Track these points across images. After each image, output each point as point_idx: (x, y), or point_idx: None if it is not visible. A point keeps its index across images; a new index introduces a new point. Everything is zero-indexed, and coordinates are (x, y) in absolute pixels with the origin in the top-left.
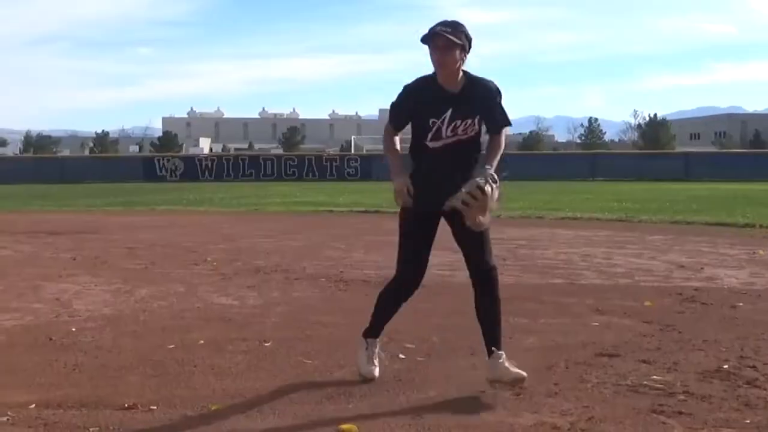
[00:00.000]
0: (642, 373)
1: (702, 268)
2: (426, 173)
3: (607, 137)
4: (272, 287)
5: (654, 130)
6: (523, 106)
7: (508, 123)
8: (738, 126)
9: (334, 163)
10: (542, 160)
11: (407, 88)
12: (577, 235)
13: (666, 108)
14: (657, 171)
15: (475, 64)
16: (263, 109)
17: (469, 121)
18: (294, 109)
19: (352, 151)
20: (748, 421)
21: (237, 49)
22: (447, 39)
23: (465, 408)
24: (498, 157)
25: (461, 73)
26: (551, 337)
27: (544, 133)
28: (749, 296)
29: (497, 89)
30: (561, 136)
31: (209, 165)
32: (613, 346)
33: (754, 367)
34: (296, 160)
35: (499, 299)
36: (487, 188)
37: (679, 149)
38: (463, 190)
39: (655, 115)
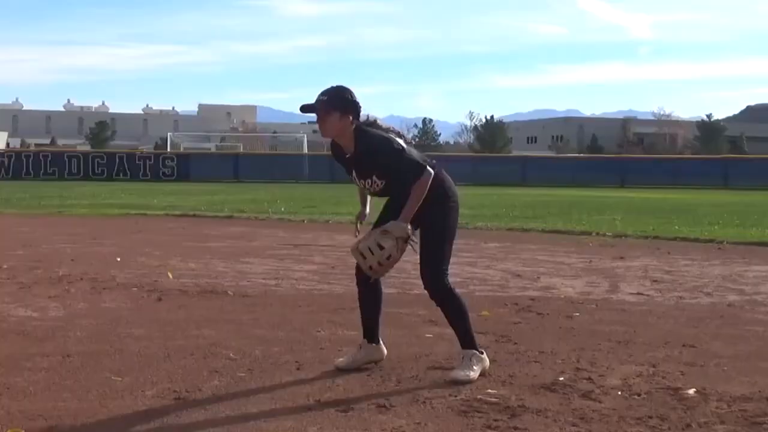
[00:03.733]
0: (476, 387)
1: (538, 277)
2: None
3: (441, 139)
4: (77, 297)
5: (490, 132)
6: None
7: (416, 174)
8: (575, 130)
9: (148, 162)
10: None
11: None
12: None
13: (503, 110)
14: (493, 175)
15: (300, 58)
16: (68, 101)
17: (372, 179)
18: (103, 102)
19: (168, 150)
20: None
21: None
22: (321, 105)
23: (290, 426)
24: (414, 209)
25: (353, 134)
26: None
27: None
28: (586, 306)
29: (384, 146)
30: None
31: (5, 162)
32: (447, 359)
33: (590, 379)
34: (105, 158)
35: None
36: (386, 244)
37: (515, 153)
38: (362, 243)
39: (492, 117)
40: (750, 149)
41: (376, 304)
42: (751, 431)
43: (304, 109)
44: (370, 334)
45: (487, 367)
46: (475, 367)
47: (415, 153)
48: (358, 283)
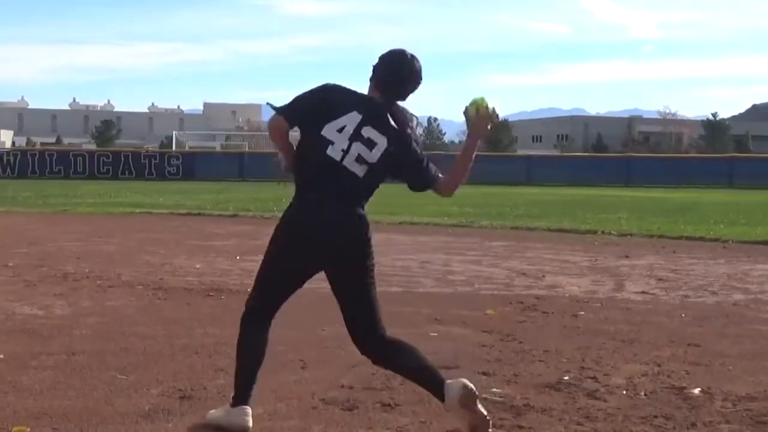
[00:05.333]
0: (482, 386)
1: (543, 276)
2: None
3: (447, 138)
4: (83, 295)
5: (495, 131)
6: None
7: None
8: (581, 129)
9: (153, 161)
10: None
11: None
12: (415, 240)
13: (507, 108)
14: (498, 174)
15: (303, 56)
16: (74, 99)
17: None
18: (109, 101)
19: (174, 148)
20: None
21: (43, 33)
22: None
23: (295, 424)
24: None
25: None
26: None
27: None
28: (591, 305)
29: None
30: None
31: (11, 160)
32: (452, 358)
33: (594, 378)
34: (111, 156)
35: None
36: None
37: (520, 152)
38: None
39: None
40: (755, 148)
41: (261, 354)
42: (756, 430)
43: None
44: (243, 392)
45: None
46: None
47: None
48: (245, 322)
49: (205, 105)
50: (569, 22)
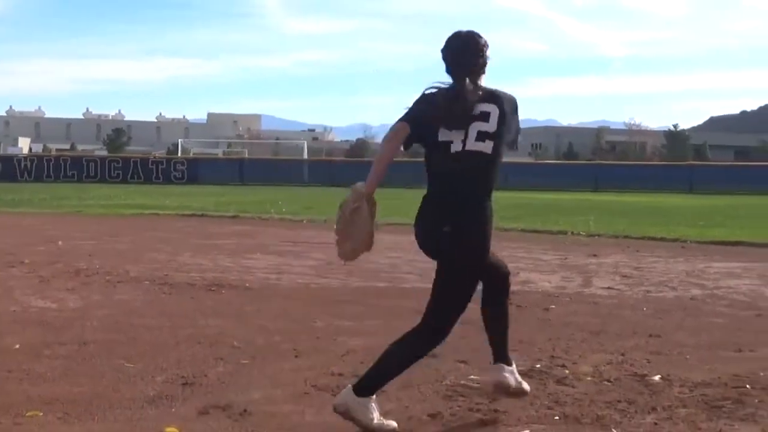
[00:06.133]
0: (461, 374)
1: (518, 273)
2: None
3: None
4: (93, 290)
5: None
6: (350, 114)
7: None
8: (553, 138)
9: (160, 166)
10: (369, 167)
11: None
12: (403, 240)
13: None
14: None
15: (300, 70)
16: (87, 109)
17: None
18: (120, 111)
19: (179, 155)
20: (557, 417)
21: (60, 48)
22: None
23: (290, 409)
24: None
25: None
26: (376, 339)
27: (371, 140)
28: (561, 299)
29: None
30: None
31: (28, 165)
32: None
33: (563, 366)
34: (121, 162)
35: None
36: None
37: None
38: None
39: None
40: (713, 156)
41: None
42: (711, 414)
43: None
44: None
45: None
46: None
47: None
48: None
49: (209, 115)
50: (547, 40)
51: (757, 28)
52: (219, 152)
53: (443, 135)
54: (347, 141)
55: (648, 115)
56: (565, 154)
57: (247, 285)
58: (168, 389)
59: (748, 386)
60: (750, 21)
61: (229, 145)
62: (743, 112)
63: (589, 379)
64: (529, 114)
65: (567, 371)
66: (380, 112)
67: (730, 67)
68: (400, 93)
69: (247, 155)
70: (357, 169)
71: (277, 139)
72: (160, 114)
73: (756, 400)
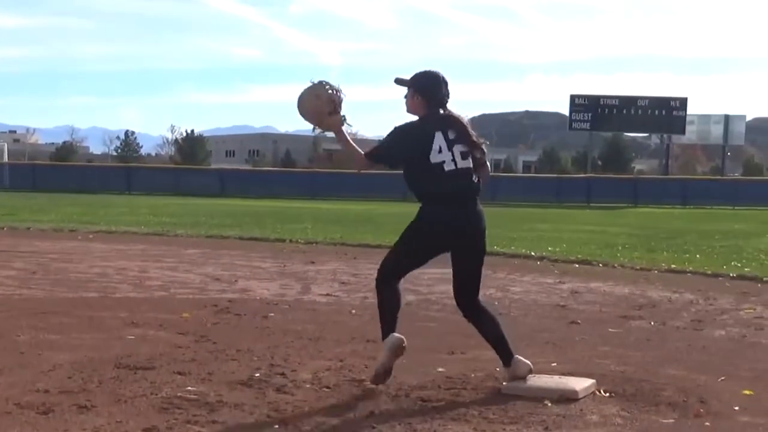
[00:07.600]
0: (177, 385)
1: (236, 281)
2: None
3: (144, 151)
4: None
5: (191, 145)
6: (55, 116)
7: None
8: (270, 145)
9: None
10: (76, 171)
11: None
12: (113, 248)
13: (203, 125)
14: (193, 186)
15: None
16: None
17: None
18: None
19: None
20: (276, 426)
21: None
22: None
23: None
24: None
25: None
26: (84, 352)
27: (78, 144)
28: (280, 307)
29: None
30: (96, 148)
31: None
32: (148, 359)
33: (283, 374)
34: None
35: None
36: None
37: (215, 165)
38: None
39: (192, 131)
40: None
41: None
42: (425, 417)
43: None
44: (391, 327)
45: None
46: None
47: (395, 142)
48: (382, 283)
49: None
50: (263, 47)
51: (464, 44)
52: None
53: (435, 157)
54: (53, 144)
55: (363, 124)
56: (282, 160)
57: None
58: None
59: (459, 387)
60: (457, 37)
61: None
62: None
63: (308, 386)
64: (246, 120)
65: (286, 379)
66: (88, 113)
67: None
68: (109, 95)
69: None
70: (63, 172)
71: None
72: None
73: (467, 400)
